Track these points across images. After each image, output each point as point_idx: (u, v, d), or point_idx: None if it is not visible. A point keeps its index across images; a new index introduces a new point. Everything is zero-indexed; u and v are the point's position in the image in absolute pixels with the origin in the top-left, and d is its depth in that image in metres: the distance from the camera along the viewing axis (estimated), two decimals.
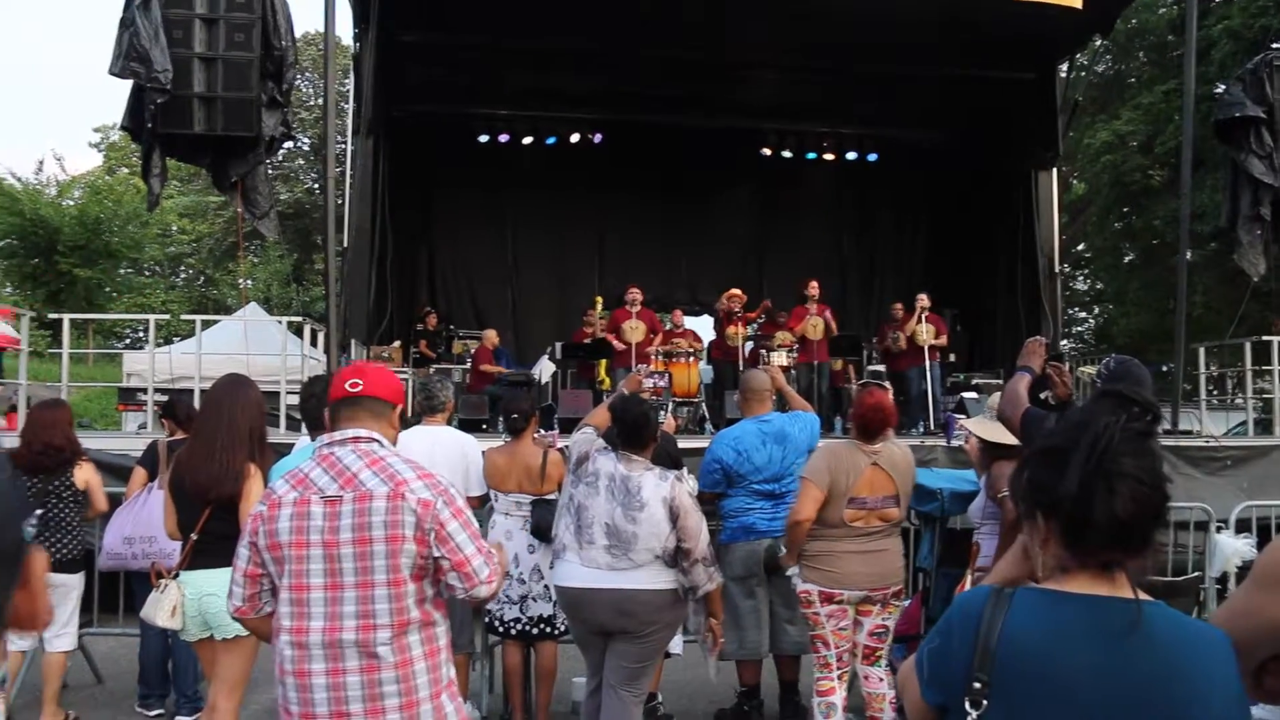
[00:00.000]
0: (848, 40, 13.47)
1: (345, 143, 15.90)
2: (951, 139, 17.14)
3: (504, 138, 16.37)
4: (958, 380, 13.93)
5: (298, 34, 10.02)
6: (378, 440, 3.06)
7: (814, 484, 5.20)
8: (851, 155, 17.25)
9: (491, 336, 14.10)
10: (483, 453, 6.17)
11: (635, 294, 13.18)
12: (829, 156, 17.20)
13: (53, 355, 17.89)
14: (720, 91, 15.66)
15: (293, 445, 5.77)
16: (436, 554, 2.92)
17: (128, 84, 9.38)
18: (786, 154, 17.09)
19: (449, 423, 6.56)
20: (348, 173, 14.94)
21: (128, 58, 9.09)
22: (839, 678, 5.29)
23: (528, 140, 16.46)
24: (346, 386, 3.10)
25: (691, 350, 13.14)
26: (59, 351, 13.43)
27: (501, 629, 6.12)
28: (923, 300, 13.15)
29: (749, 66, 15.16)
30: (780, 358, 12.47)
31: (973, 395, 11.72)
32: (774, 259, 17.41)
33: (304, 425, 5.55)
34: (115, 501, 6.67)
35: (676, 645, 5.97)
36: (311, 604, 2.91)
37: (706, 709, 6.64)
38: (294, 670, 2.91)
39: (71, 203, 31.00)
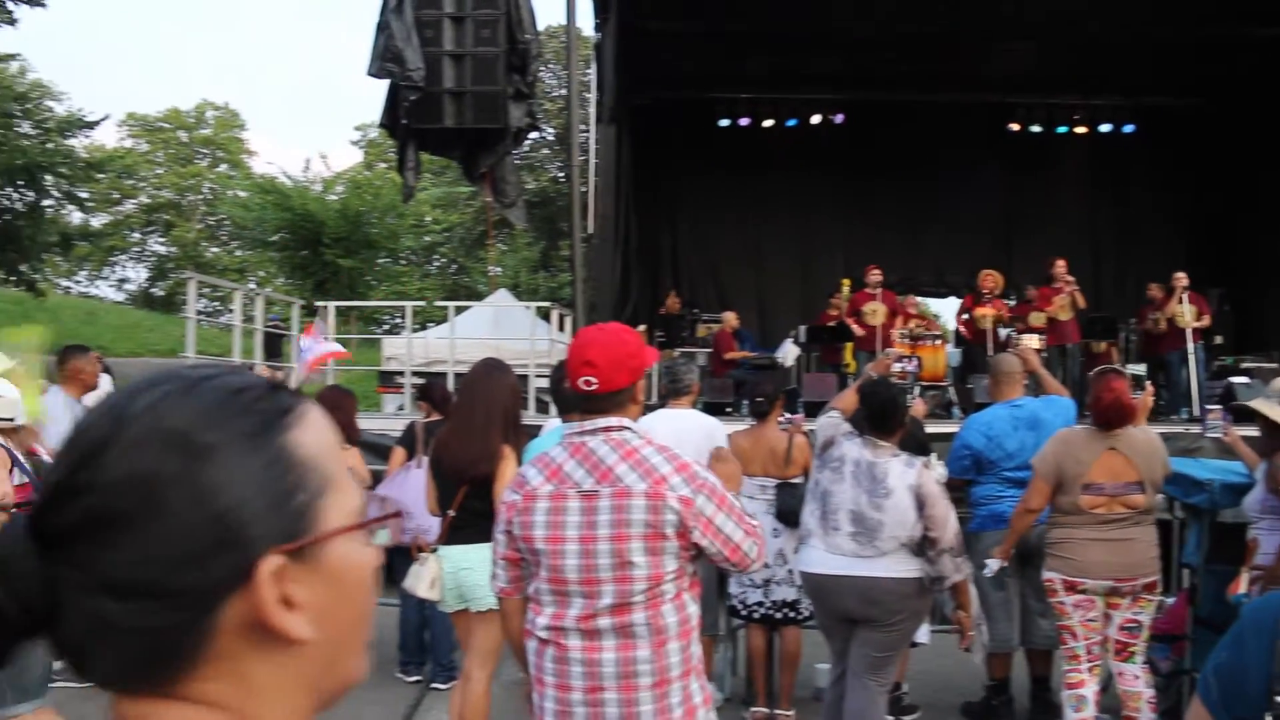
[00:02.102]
0: (1099, 4, 12.81)
1: (588, 131, 16.21)
2: (1215, 106, 16.08)
3: (745, 121, 16.35)
4: (1225, 364, 13.07)
5: (540, 27, 10.27)
6: (629, 428, 3.01)
7: (1039, 473, 5.02)
8: (1106, 127, 16.45)
9: (732, 319, 14.11)
10: (727, 436, 6.18)
11: (876, 275, 12.94)
12: (1081, 130, 16.46)
13: None
14: (964, 66, 15.19)
15: (541, 427, 5.93)
16: (703, 544, 2.89)
17: (384, 83, 9.82)
18: (1035, 128, 16.43)
19: (694, 406, 6.60)
20: (591, 161, 15.24)
21: (383, 59, 9.51)
22: (1089, 671, 5.07)
23: (769, 123, 16.38)
24: (581, 385, 2.99)
25: (939, 333, 12.81)
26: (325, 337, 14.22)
27: (745, 612, 6.12)
28: (1180, 279, 12.36)
29: (994, 39, 14.64)
30: (1032, 340, 12.01)
31: (1243, 380, 10.96)
32: (1023, 238, 16.73)
33: (553, 407, 5.68)
34: (376, 479, 7.03)
35: (923, 635, 5.83)
36: (570, 594, 2.94)
37: (953, 701, 6.48)
38: (552, 641, 2.98)
39: (335, 198, 32.73)
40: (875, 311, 12.61)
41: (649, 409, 5.55)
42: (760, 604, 6.04)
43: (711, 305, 16.34)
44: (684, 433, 5.81)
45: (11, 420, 4.40)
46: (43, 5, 20.26)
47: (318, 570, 0.83)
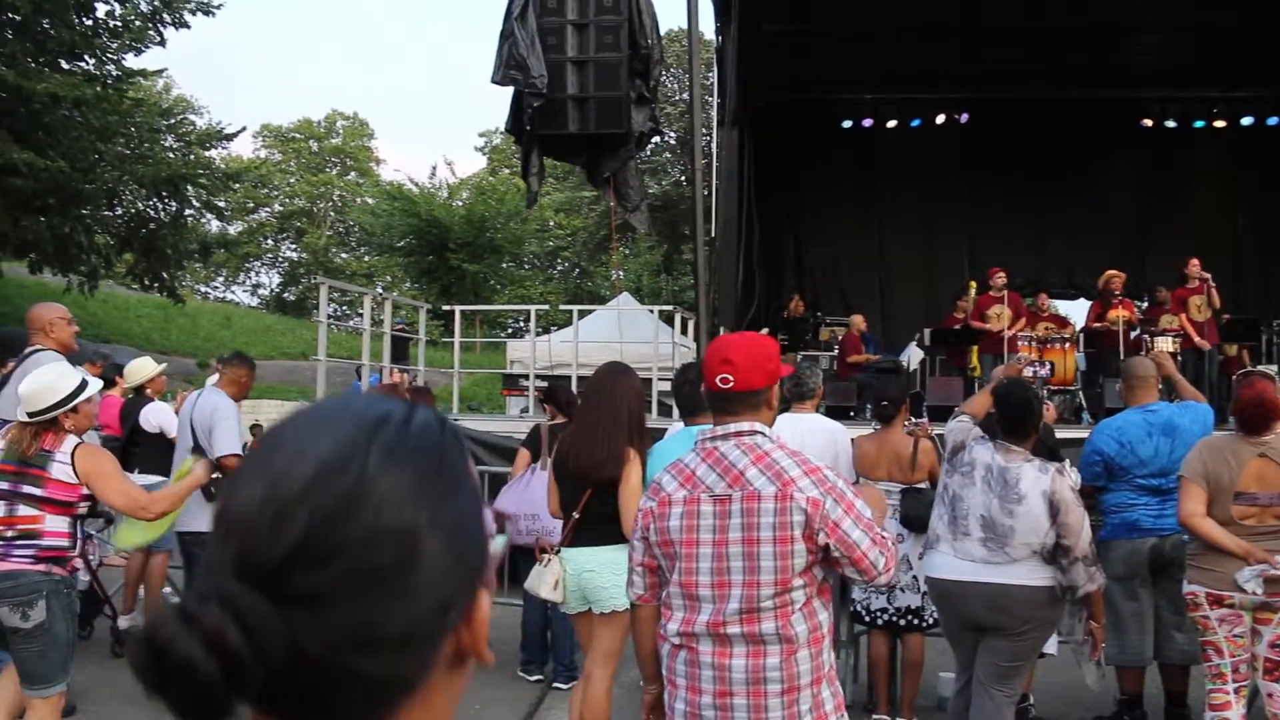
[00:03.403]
0: None
1: (710, 135, 16.23)
2: None
3: (867, 122, 16.19)
4: None
5: (662, 32, 10.29)
6: (761, 433, 3.02)
7: (1192, 480, 4.80)
8: (1247, 120, 15.81)
9: (859, 322, 13.99)
10: (852, 440, 6.13)
11: (1000, 277, 12.70)
12: (1220, 123, 15.85)
13: (445, 344, 19.30)
14: (1094, 61, 14.75)
15: (665, 430, 5.95)
16: (830, 550, 2.89)
17: (509, 91, 9.96)
18: (1170, 124, 15.89)
19: (817, 410, 6.55)
20: (714, 164, 15.25)
21: (507, 66, 9.63)
22: (1235, 691, 4.85)
23: (892, 124, 16.21)
24: (718, 382, 3.02)
25: (1068, 335, 12.51)
26: (450, 340, 14.50)
27: (868, 618, 6.06)
28: None
29: (1126, 30, 14.20)
30: (1166, 343, 11.64)
31: None
32: (1157, 237, 16.21)
33: (676, 411, 5.70)
34: (501, 481, 7.12)
35: (1052, 645, 5.68)
36: (700, 598, 2.96)
37: (1083, 716, 6.29)
38: (684, 645, 3.00)
39: (460, 204, 33.38)
40: (1000, 315, 12.37)
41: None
42: (884, 610, 5.97)
43: (834, 308, 16.22)
44: (807, 437, 5.77)
45: (47, 412, 4.43)
46: (186, 26, 21.03)
47: (488, 595, 0.87)
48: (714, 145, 15.32)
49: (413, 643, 0.79)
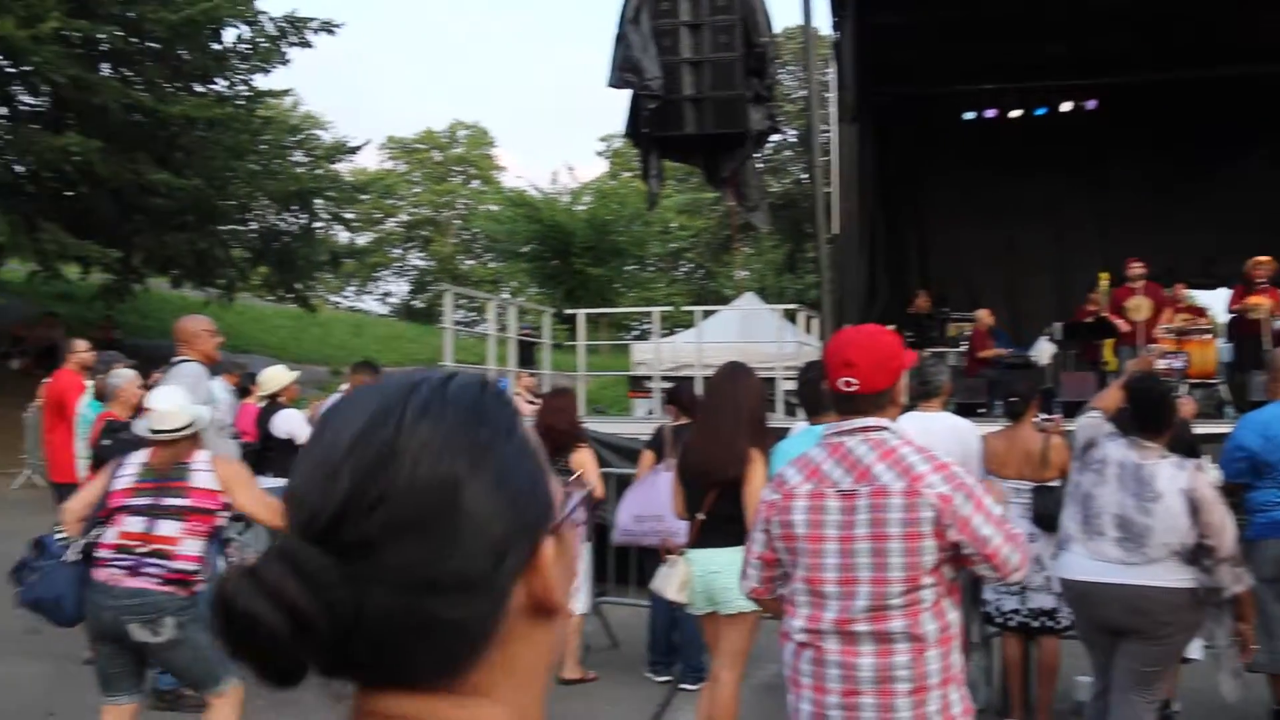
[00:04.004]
0: None
1: (829, 131, 16.09)
2: None
3: (990, 113, 15.87)
4: None
5: (777, 29, 10.22)
6: (887, 428, 2.98)
7: None
8: None
9: (985, 317, 13.70)
10: (980, 438, 6.00)
11: (1137, 268, 12.29)
12: None
13: (570, 347, 19.44)
14: (1230, 36, 14.11)
15: (789, 430, 5.90)
16: (961, 547, 2.84)
17: (626, 94, 10.00)
18: None
19: (944, 407, 6.42)
20: (834, 160, 15.10)
21: (622, 69, 9.66)
22: None
23: (1016, 113, 15.85)
24: (841, 385, 2.98)
25: (1208, 327, 12.05)
26: (576, 344, 14.62)
27: (1000, 620, 5.93)
28: None
29: (1260, 4, 13.58)
30: None
31: None
32: None
33: (800, 409, 5.65)
34: (626, 482, 7.16)
35: (1195, 650, 5.46)
36: (826, 595, 2.93)
37: None
38: (809, 644, 2.96)
39: (582, 208, 33.60)
40: (1139, 306, 11.99)
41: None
42: (1016, 611, 5.84)
43: (961, 303, 15.86)
44: (934, 435, 5.64)
45: (173, 432, 4.58)
46: (310, 46, 21.62)
47: (558, 547, 0.89)
48: (834, 141, 15.14)
49: (472, 585, 0.82)
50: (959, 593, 3.01)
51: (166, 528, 4.47)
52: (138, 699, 4.65)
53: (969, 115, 15.92)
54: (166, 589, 4.43)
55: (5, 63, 17.34)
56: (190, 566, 4.50)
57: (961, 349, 13.70)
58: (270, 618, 0.77)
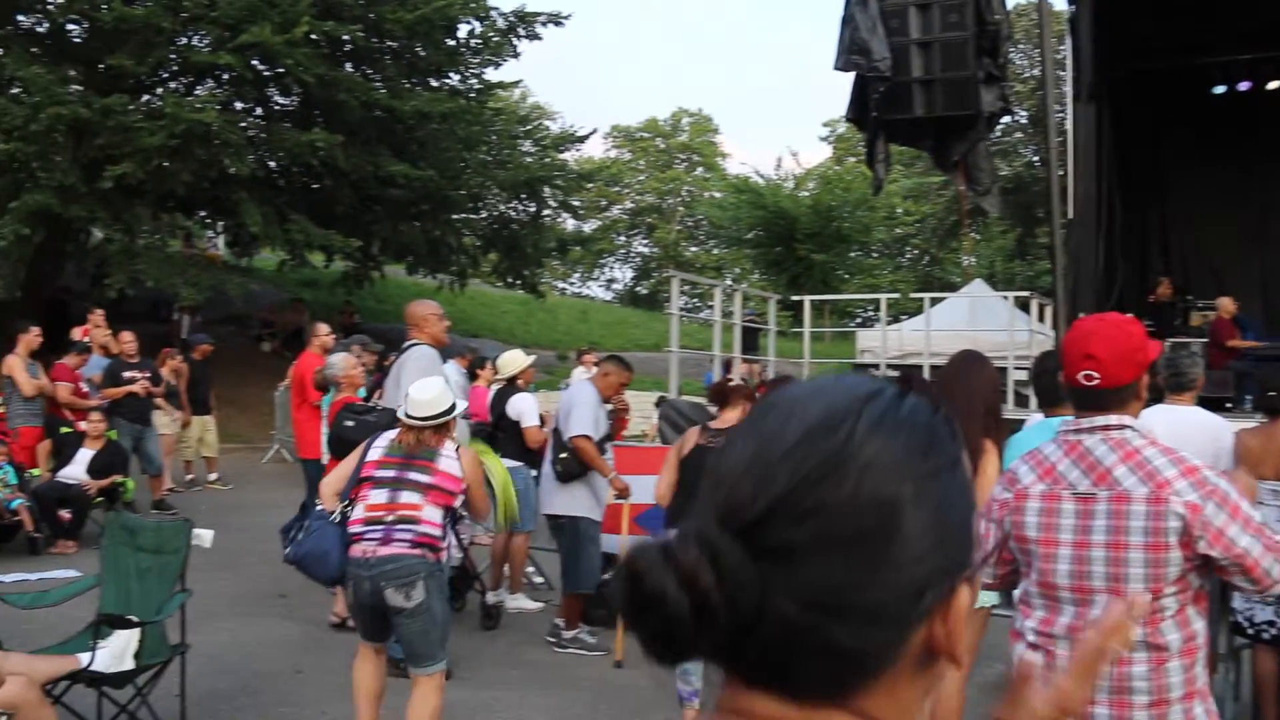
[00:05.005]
0: None
1: (1065, 111, 15.45)
2: None
3: (1243, 85, 14.86)
4: None
5: (1009, 6, 9.87)
6: (1130, 427, 2.79)
7: None
8: None
9: (1228, 305, 12.92)
10: (1233, 434, 5.64)
11: None
12: None
13: (795, 334, 19.33)
14: None
15: (1023, 422, 5.70)
16: (1213, 556, 2.65)
17: (851, 77, 9.85)
18: None
19: (1194, 402, 6.06)
20: (1069, 141, 14.50)
21: (850, 51, 9.53)
22: None
23: (1274, 85, 14.78)
24: (1081, 379, 2.80)
25: None
26: (800, 330, 14.54)
27: (1252, 631, 5.57)
28: None
29: None
30: None
31: None
32: None
33: (1034, 401, 5.45)
34: None
35: None
36: (1061, 601, 2.80)
37: None
38: (1041, 647, 2.84)
39: (806, 194, 33.38)
40: None
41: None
42: (1271, 623, 5.48)
43: (1206, 291, 14.97)
44: (1185, 431, 5.35)
45: (429, 419, 4.95)
46: (539, 38, 22.14)
47: (969, 594, 0.84)
48: (1069, 121, 14.53)
49: (882, 619, 0.79)
50: (1206, 600, 2.81)
51: (409, 497, 4.83)
52: (386, 644, 5.08)
53: (1219, 89, 14.95)
54: (416, 552, 4.76)
55: (262, 67, 18.41)
56: (436, 532, 4.84)
57: (1205, 339, 12.96)
58: (676, 600, 0.77)
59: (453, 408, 5.04)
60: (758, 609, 0.77)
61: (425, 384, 5.14)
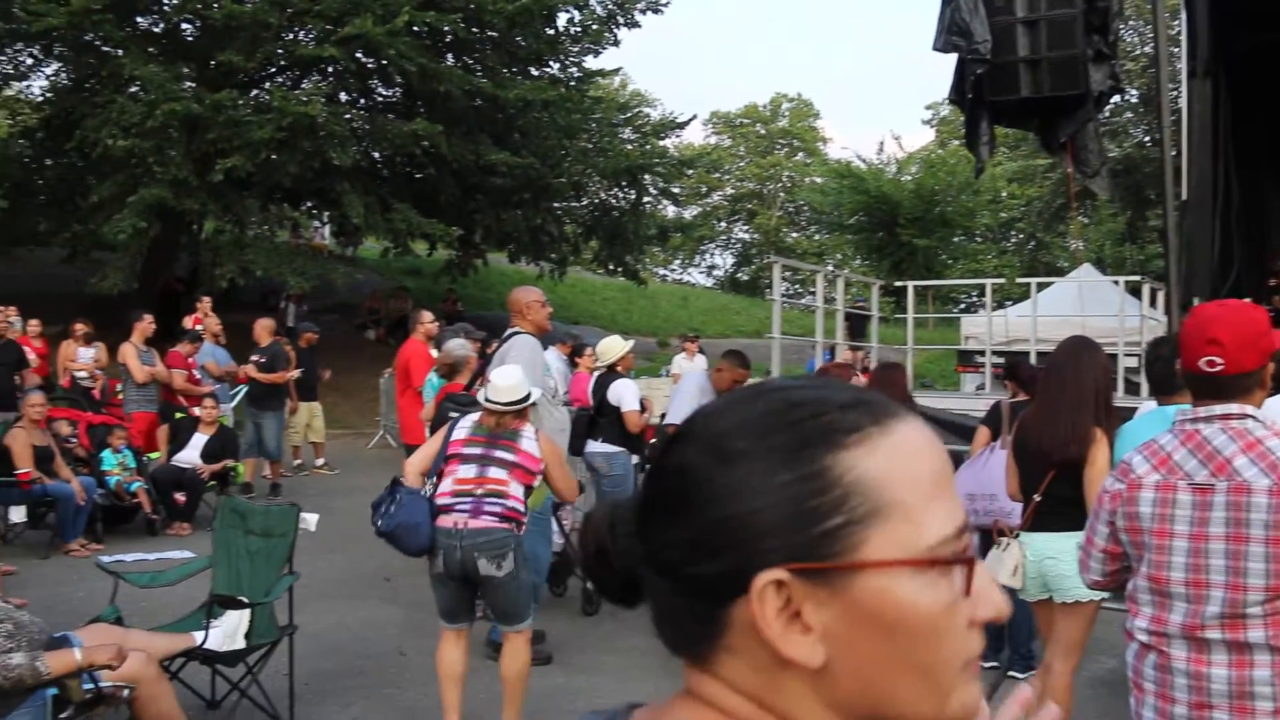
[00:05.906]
0: None
1: (1179, 89, 14.97)
2: None
3: None
4: None
5: None
6: (1252, 417, 2.69)
7: None
8: None
9: None
10: None
11: None
12: None
13: (898, 320, 19.10)
14: None
15: (1134, 410, 5.55)
16: None
17: (951, 59, 9.67)
18: None
19: None
20: (1183, 120, 14.06)
21: (949, 33, 9.35)
22: None
23: None
24: (1203, 365, 2.70)
25: None
26: (903, 316, 14.36)
27: None
28: None
29: None
30: None
31: None
32: None
33: (1146, 389, 5.31)
34: (958, 460, 6.95)
35: None
36: (1172, 596, 2.70)
37: None
38: (1154, 647, 2.76)
39: (909, 178, 32.98)
40: None
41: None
42: None
43: None
44: None
45: (510, 404, 5.16)
46: (638, 25, 22.15)
47: (842, 598, 0.80)
48: (1184, 99, 14.06)
49: (679, 579, 0.85)
50: None
51: (496, 473, 5.08)
52: (469, 625, 5.28)
53: None
54: (506, 525, 5.00)
55: (366, 59, 18.72)
56: (520, 506, 5.09)
57: None
58: (588, 556, 0.93)
59: (529, 395, 5.25)
60: (633, 570, 0.89)
61: (505, 370, 5.40)
